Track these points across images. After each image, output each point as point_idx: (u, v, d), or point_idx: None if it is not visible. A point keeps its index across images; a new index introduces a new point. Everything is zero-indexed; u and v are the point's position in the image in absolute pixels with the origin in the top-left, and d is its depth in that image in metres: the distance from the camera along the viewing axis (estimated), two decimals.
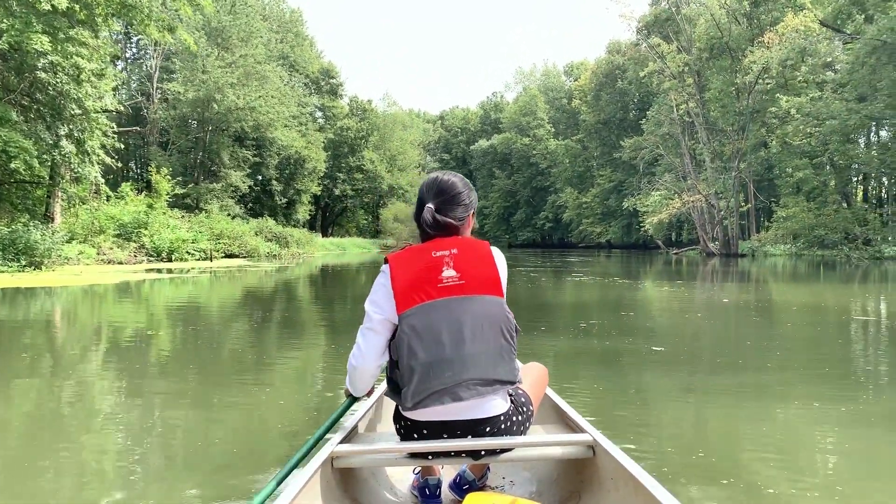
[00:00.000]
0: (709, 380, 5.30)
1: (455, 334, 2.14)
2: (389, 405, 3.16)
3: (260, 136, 46.84)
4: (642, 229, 54.14)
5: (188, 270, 22.37)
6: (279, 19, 60.02)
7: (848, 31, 33.57)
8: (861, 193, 46.73)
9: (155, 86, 46.07)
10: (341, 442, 2.38)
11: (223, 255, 32.40)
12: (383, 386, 2.77)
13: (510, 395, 2.30)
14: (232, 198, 44.78)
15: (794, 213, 38.99)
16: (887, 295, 13.94)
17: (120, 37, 51.40)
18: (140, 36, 48.53)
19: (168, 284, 16.42)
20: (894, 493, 2.90)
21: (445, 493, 2.47)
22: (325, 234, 64.64)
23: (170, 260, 27.62)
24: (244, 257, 33.56)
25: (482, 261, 2.23)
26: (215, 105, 40.80)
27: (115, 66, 50.49)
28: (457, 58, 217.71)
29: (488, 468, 2.57)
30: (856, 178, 45.53)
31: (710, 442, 3.59)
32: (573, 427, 2.60)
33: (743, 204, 44.67)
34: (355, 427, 2.62)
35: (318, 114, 67.50)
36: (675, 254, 48.80)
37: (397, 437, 2.37)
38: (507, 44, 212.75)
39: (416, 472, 2.61)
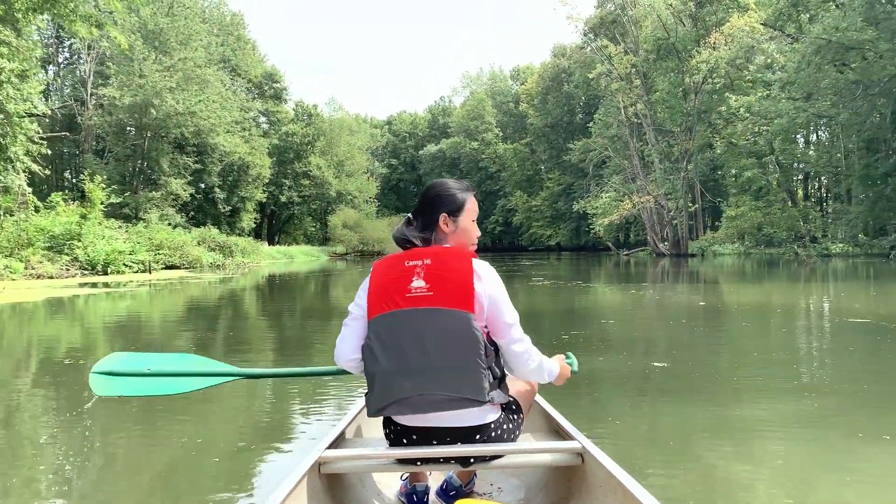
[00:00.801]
0: (709, 391, 5.02)
1: (417, 346, 2.11)
2: None
3: (201, 142, 45.25)
4: (592, 231, 54.26)
5: (125, 284, 21.04)
6: (220, 22, 58.32)
7: (788, 32, 33.96)
8: (802, 192, 47.46)
9: (89, 91, 44.12)
10: (329, 447, 2.37)
11: (163, 266, 30.89)
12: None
13: (501, 404, 2.28)
14: (172, 206, 43.11)
15: (743, 213, 39.41)
16: (862, 293, 13.73)
17: (51, 40, 49.31)
18: (73, 39, 46.66)
19: (104, 299, 15.23)
20: None
21: (433, 499, 2.46)
22: (271, 243, 63.06)
23: (105, 273, 26.06)
24: (186, 268, 32.11)
25: (457, 273, 2.15)
26: (153, 110, 39.19)
27: (46, 70, 48.46)
28: (403, 62, 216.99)
29: (475, 475, 2.56)
30: (799, 178, 46.29)
31: (702, 452, 3.48)
32: (562, 434, 2.57)
33: (691, 204, 44.98)
34: (343, 432, 2.61)
35: (262, 119, 65.93)
36: (626, 255, 49.01)
37: (385, 443, 2.36)
38: (453, 48, 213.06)
39: (403, 478, 2.59)
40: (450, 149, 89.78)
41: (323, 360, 6.00)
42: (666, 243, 45.32)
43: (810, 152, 40.36)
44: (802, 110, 28.78)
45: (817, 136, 44.49)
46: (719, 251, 40.93)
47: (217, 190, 49.94)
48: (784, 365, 5.95)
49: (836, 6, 32.92)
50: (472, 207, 2.41)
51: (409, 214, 2.40)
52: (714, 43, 37.07)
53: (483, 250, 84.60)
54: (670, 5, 41.47)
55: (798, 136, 44.24)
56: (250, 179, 53.52)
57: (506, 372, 2.33)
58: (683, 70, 41.07)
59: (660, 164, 44.94)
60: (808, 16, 31.63)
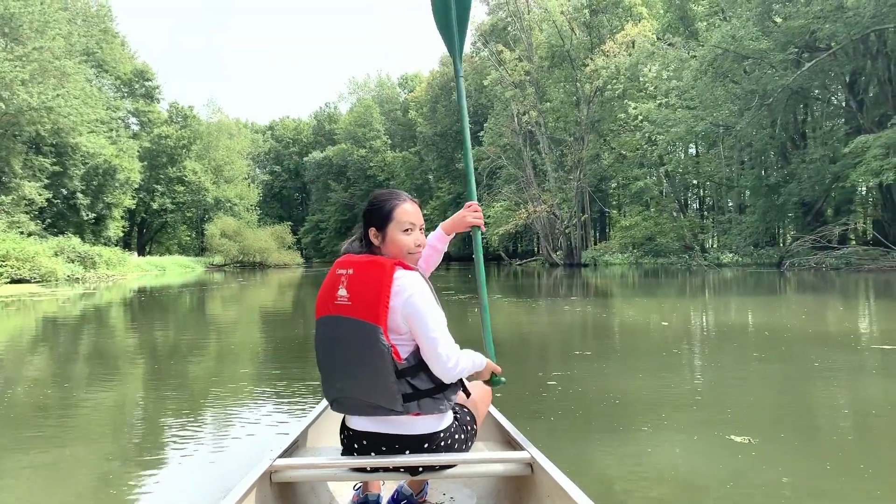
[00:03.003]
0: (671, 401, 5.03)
1: (339, 351, 2.24)
2: (330, 418, 3.05)
3: (61, 141, 40.78)
4: (483, 241, 53.37)
5: None
6: (84, 13, 53.29)
7: (672, 44, 34.10)
8: (690, 204, 48.57)
9: None
10: (282, 455, 2.40)
11: (7, 280, 26.98)
12: (325, 401, 2.82)
13: (454, 413, 2.38)
14: (26, 213, 38.41)
15: (636, 223, 39.53)
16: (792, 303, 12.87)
17: None
18: None
19: None
20: None
21: None
22: (141, 253, 58.50)
23: None
24: (37, 282, 28.25)
25: (373, 285, 2.20)
26: (2, 104, 34.72)
27: None
28: (286, 67, 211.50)
29: (427, 484, 2.59)
30: (690, 189, 47.26)
31: (658, 463, 3.49)
32: (514, 445, 2.59)
33: (583, 214, 44.83)
34: (295, 441, 2.61)
35: (132, 119, 61.16)
36: (519, 264, 48.45)
37: (338, 451, 2.42)
38: (339, 53, 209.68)
39: (356, 487, 2.58)
40: (336, 156, 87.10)
41: (202, 394, 5.64)
42: (559, 253, 44.92)
43: (700, 163, 41.04)
44: (700, 119, 28.77)
45: (697, 148, 45.34)
46: (610, 261, 40.95)
47: (80, 195, 45.15)
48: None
49: (722, 20, 33.48)
50: (400, 217, 2.37)
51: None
52: (608, 51, 36.94)
53: None
54: (563, 13, 41.11)
55: (688, 146, 45.26)
56: (118, 184, 48.94)
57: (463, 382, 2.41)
58: (577, 78, 40.78)
59: (553, 174, 44.45)
60: (704, 24, 31.85)
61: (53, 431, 4.42)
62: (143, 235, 67.88)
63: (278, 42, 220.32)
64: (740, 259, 33.08)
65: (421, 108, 75.00)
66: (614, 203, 52.66)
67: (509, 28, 50.03)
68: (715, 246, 36.75)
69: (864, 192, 31.57)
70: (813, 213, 32.06)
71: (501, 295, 17.79)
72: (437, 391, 2.28)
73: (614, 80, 37.03)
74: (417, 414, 2.25)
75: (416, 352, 2.25)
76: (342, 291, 2.24)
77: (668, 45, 32.66)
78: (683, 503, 2.99)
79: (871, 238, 30.78)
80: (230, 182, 69.40)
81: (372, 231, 2.39)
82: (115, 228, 50.81)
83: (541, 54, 44.20)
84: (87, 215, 46.41)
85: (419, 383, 2.23)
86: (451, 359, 2.24)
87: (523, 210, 43.63)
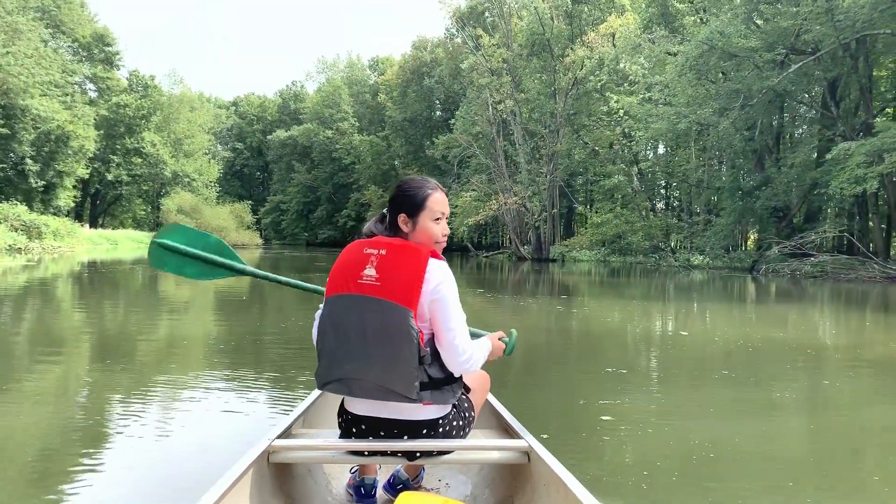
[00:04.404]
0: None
1: (358, 331, 2.19)
2: (327, 401, 3.07)
3: (9, 102, 38.47)
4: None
5: None
6: None
7: (652, 39, 33.35)
8: (662, 203, 48.15)
9: None
10: (279, 436, 2.39)
11: None
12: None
13: (442, 403, 2.33)
14: None
15: (608, 220, 38.87)
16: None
17: None
18: None
19: None
20: None
21: (380, 493, 2.53)
22: (94, 226, 56.15)
23: None
24: None
25: (408, 269, 2.19)
26: None
27: None
28: (252, 42, 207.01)
29: (423, 469, 2.63)
30: (660, 187, 46.82)
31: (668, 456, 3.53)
32: (511, 433, 2.61)
33: (553, 208, 44.00)
34: (293, 422, 2.61)
35: (90, 86, 58.64)
36: (485, 256, 47.54)
37: (335, 434, 2.43)
38: (308, 31, 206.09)
39: (352, 470, 2.60)
40: (301, 136, 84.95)
41: (155, 368, 5.78)
42: (527, 247, 44.08)
43: (672, 162, 40.55)
44: (683, 116, 28.04)
45: (668, 147, 44.77)
46: (578, 257, 40.33)
47: (28, 161, 42.78)
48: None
49: (701, 21, 32.86)
50: (432, 206, 2.38)
51: (385, 211, 2.44)
52: (590, 42, 36.02)
53: (333, 245, 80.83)
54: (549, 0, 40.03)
55: (657, 145, 44.76)
56: (71, 152, 46.57)
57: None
58: (555, 69, 39.81)
59: (527, 166, 43.48)
60: (692, 19, 31.12)
61: (28, 412, 4.27)
62: (97, 207, 65.35)
63: (245, 16, 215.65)
64: (710, 262, 32.63)
65: (391, 91, 73.25)
66: (581, 199, 52.07)
67: (487, 14, 48.85)
68: (684, 248, 36.21)
69: (839, 200, 31.25)
70: (787, 218, 31.72)
71: (484, 290, 16.69)
72: (447, 382, 2.29)
73: (596, 72, 36.11)
74: (427, 403, 2.24)
75: (432, 341, 2.25)
76: (370, 271, 2.20)
77: (650, 39, 31.82)
78: None
79: (846, 246, 30.53)
80: (190, 157, 67.29)
81: (402, 217, 2.37)
82: (65, 198, 48.48)
83: (520, 42, 43.09)
84: (36, 182, 44.07)
85: (433, 372, 2.23)
86: (466, 352, 2.25)
87: (493, 201, 42.57)
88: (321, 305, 2.34)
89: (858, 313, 12.97)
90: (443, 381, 2.26)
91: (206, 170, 69.16)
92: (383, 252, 2.21)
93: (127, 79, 63.10)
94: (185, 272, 3.13)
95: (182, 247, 3.12)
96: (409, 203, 2.35)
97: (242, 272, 3.16)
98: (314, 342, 2.37)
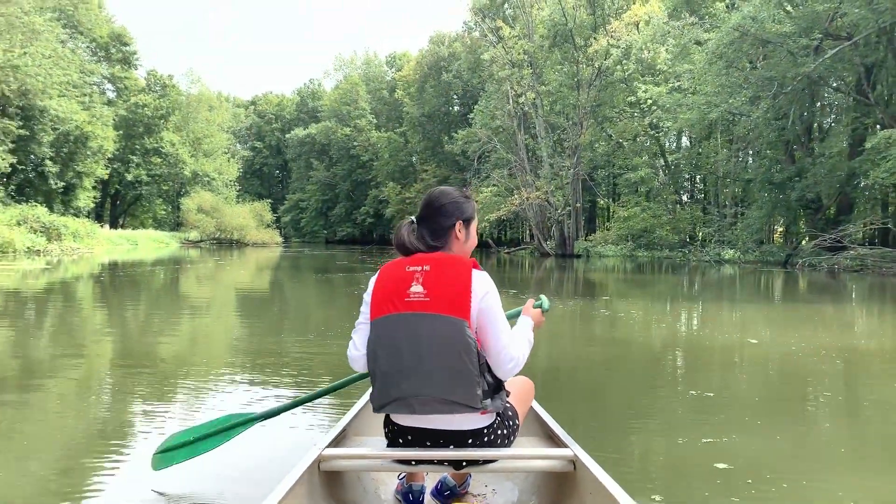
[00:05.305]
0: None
1: (413, 348, 2.19)
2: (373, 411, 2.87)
3: (27, 103, 38.20)
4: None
5: None
6: None
7: (679, 25, 32.32)
8: (688, 196, 47.10)
9: None
10: (329, 445, 2.45)
11: None
12: (370, 390, 2.53)
13: (496, 412, 2.34)
14: None
15: (634, 213, 37.96)
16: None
17: None
18: None
19: None
20: None
21: (428, 499, 2.55)
22: (114, 226, 56.06)
23: None
24: None
25: (455, 280, 2.21)
26: None
27: None
28: (270, 41, 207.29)
29: (470, 476, 2.64)
30: (689, 182, 45.83)
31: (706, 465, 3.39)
32: (556, 441, 2.62)
33: (576, 203, 43.08)
34: (343, 431, 2.67)
35: (108, 86, 58.52)
36: (507, 253, 46.85)
37: (383, 442, 2.45)
38: (325, 29, 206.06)
39: (400, 476, 2.62)
40: (319, 133, 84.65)
41: (196, 380, 5.39)
42: (550, 242, 43.24)
43: (700, 154, 39.56)
44: (714, 105, 27.06)
45: (691, 139, 43.69)
46: (604, 252, 39.48)
47: (48, 162, 42.53)
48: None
49: (731, 6, 31.80)
50: (477, 215, 2.53)
51: (412, 219, 2.46)
52: (614, 31, 35.09)
53: (352, 242, 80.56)
54: None
55: (681, 137, 43.74)
56: (90, 153, 46.28)
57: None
58: (578, 60, 38.87)
59: (549, 159, 42.60)
60: (723, 4, 30.07)
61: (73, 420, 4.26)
62: (117, 208, 65.29)
63: (261, 15, 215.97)
64: (742, 256, 31.69)
65: (408, 87, 72.62)
66: (604, 193, 51.12)
67: (506, 5, 47.99)
68: (712, 242, 35.19)
69: (873, 191, 30.12)
70: (822, 211, 30.66)
71: (514, 290, 15.96)
72: (498, 389, 2.31)
73: (623, 62, 35.13)
74: (486, 412, 2.26)
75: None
76: (417, 288, 2.21)
77: (677, 27, 30.85)
78: None
79: (879, 239, 29.44)
80: (209, 156, 67.10)
81: (459, 224, 2.42)
82: (85, 199, 48.26)
83: (541, 33, 42.18)
84: (56, 184, 43.83)
85: (489, 380, 2.25)
86: (514, 359, 2.26)
87: (515, 196, 41.76)
88: (359, 328, 2.34)
89: None
90: (495, 389, 2.29)
91: (225, 169, 68.98)
92: (427, 268, 2.24)
93: (145, 78, 62.92)
94: (200, 450, 3.02)
95: (186, 440, 3.01)
96: (464, 210, 2.44)
97: (262, 418, 3.08)
98: (357, 367, 2.38)
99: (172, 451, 2.99)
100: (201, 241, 55.03)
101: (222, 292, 13.94)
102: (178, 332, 8.09)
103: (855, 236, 25.56)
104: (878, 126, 28.09)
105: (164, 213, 67.50)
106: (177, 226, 61.88)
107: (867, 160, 25.46)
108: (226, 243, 55.74)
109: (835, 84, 30.26)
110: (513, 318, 2.60)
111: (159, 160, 60.72)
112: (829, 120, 36.02)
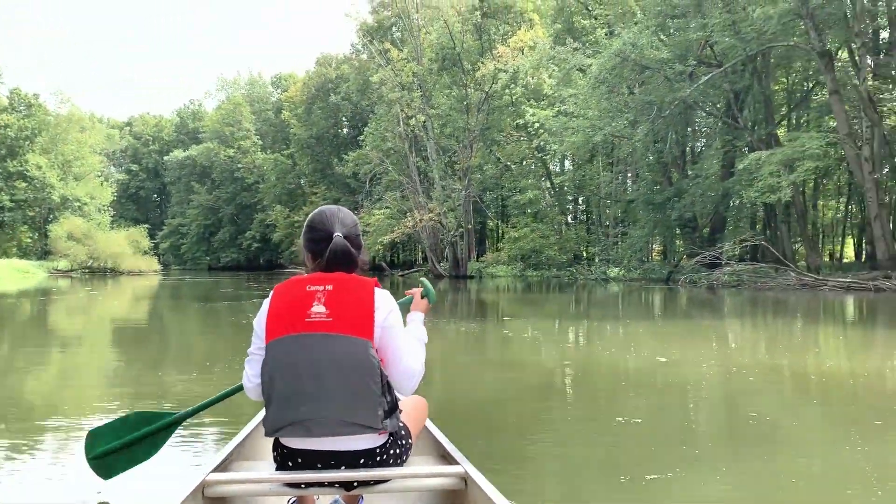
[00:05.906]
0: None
1: (313, 370, 2.14)
2: (262, 435, 2.75)
3: None
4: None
5: None
6: None
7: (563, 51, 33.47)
8: (572, 217, 48.53)
9: None
10: (214, 470, 2.36)
11: None
12: (261, 414, 2.66)
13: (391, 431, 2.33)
14: None
15: (524, 234, 38.68)
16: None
17: None
18: None
19: None
20: None
21: None
22: None
23: None
24: None
25: (357, 301, 2.17)
26: None
27: None
28: (147, 61, 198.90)
29: (361, 499, 2.59)
30: (570, 201, 47.15)
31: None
32: (448, 459, 2.59)
33: (468, 225, 43.46)
34: (229, 455, 2.59)
35: None
36: (401, 276, 46.54)
37: (272, 466, 2.35)
38: (206, 50, 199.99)
39: (290, 501, 2.54)
40: (201, 155, 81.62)
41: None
42: (444, 264, 43.31)
43: (585, 176, 40.92)
44: (598, 128, 28.04)
45: (574, 161, 45.07)
46: (495, 273, 39.99)
47: None
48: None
49: (606, 35, 33.20)
50: None
51: (341, 234, 2.38)
52: (500, 56, 35.82)
53: (237, 268, 77.75)
54: (459, 12, 39.52)
55: (564, 159, 45.03)
56: None
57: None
58: (466, 83, 39.38)
59: (441, 181, 42.77)
60: (603, 32, 31.27)
61: None
62: None
63: (140, 34, 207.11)
64: (626, 273, 32.84)
65: (295, 108, 71.30)
66: (494, 214, 51.94)
67: (394, 28, 48.09)
68: (598, 260, 36.40)
69: (744, 210, 32.07)
70: (698, 229, 32.27)
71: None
72: (394, 408, 2.28)
73: (511, 86, 35.86)
74: (383, 432, 2.22)
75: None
76: (319, 308, 2.15)
77: (561, 52, 31.85)
78: None
79: (750, 255, 31.24)
80: (80, 180, 63.31)
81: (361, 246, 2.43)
82: None
83: (429, 56, 42.48)
84: None
85: (388, 399, 2.23)
86: (417, 375, 2.27)
87: (408, 218, 41.61)
88: (253, 357, 2.24)
89: (830, 325, 12.62)
90: (393, 408, 2.26)
91: (98, 193, 65.21)
92: (330, 287, 2.18)
93: (7, 97, 58.90)
94: (138, 459, 2.90)
95: (114, 444, 2.87)
96: (359, 234, 2.44)
97: (178, 421, 2.94)
98: (251, 394, 2.29)
99: (110, 457, 2.87)
100: (72, 270, 51.50)
101: (95, 325, 12.95)
102: (45, 370, 7.44)
103: (731, 253, 26.92)
104: (746, 149, 29.90)
105: (29, 240, 62.82)
106: (45, 254, 57.73)
107: (739, 181, 27.02)
108: (99, 272, 52.39)
109: (707, 108, 32.04)
110: (404, 307, 2.58)
111: (24, 184, 56.85)
112: (700, 143, 38.15)
